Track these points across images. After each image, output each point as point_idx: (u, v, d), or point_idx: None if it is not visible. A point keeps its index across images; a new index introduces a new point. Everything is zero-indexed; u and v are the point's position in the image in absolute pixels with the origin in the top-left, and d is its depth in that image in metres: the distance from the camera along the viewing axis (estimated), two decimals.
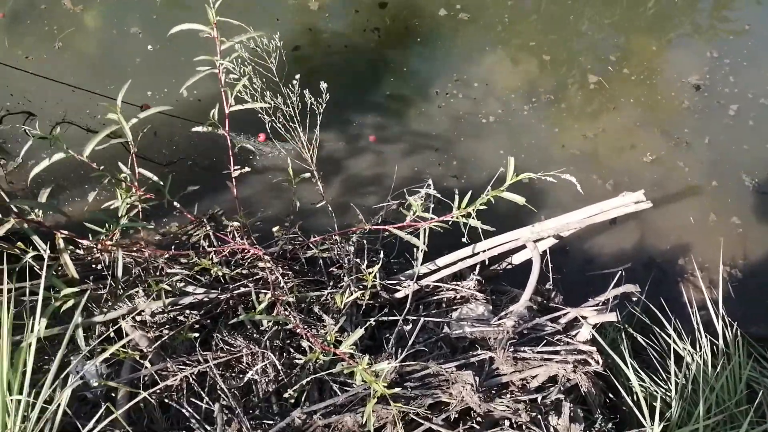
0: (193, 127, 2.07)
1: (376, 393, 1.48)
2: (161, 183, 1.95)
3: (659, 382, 2.07)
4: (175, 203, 2.10)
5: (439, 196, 1.93)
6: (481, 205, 1.73)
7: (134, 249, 2.08)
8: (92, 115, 2.88)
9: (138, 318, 2.01)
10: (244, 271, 2.23)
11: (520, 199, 1.61)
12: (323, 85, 1.96)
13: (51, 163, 1.76)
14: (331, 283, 2.16)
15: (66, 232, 1.77)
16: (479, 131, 3.06)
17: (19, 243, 1.78)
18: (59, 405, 1.41)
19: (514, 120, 3.10)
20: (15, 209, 1.64)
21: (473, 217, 1.72)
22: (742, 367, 2.05)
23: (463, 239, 1.87)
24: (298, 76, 1.94)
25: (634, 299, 2.24)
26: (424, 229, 1.93)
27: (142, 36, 3.20)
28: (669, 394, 2.00)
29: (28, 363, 1.43)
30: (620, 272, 2.27)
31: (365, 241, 2.26)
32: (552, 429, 1.76)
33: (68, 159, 1.77)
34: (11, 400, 1.33)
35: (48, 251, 1.77)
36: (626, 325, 2.26)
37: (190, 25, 1.74)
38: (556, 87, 3.24)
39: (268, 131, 2.12)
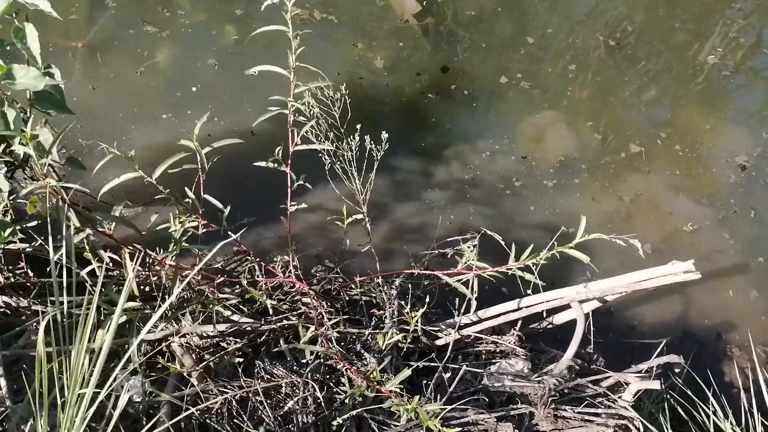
0: (256, 162, 2.16)
1: None
2: (222, 209, 2.03)
3: None
4: (230, 233, 2.17)
5: (501, 241, 1.95)
6: (543, 260, 1.75)
7: (187, 271, 2.15)
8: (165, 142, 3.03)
9: (183, 340, 2.05)
10: (286, 305, 2.28)
11: (584, 258, 1.64)
12: (384, 135, 2.04)
13: (121, 181, 1.86)
14: (372, 324, 2.18)
15: (132, 247, 1.85)
16: (528, 191, 3.11)
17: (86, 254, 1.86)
18: (113, 413, 1.44)
19: (558, 182, 3.16)
20: (90, 221, 1.72)
21: (535, 273, 1.74)
22: None
23: (528, 291, 1.88)
24: (359, 126, 2.03)
25: (677, 370, 2.21)
26: (473, 278, 1.95)
27: (217, 68, 3.39)
28: None
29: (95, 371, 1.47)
30: (663, 343, 2.25)
31: (409, 286, 2.29)
32: None
33: (135, 180, 1.86)
34: (71, 397, 1.37)
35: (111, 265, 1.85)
36: (668, 395, 2.21)
37: (269, 66, 1.86)
38: (601, 153, 3.30)
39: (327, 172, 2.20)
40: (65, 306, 1.70)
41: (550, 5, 4.07)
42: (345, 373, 1.92)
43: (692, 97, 3.62)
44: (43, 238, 2.17)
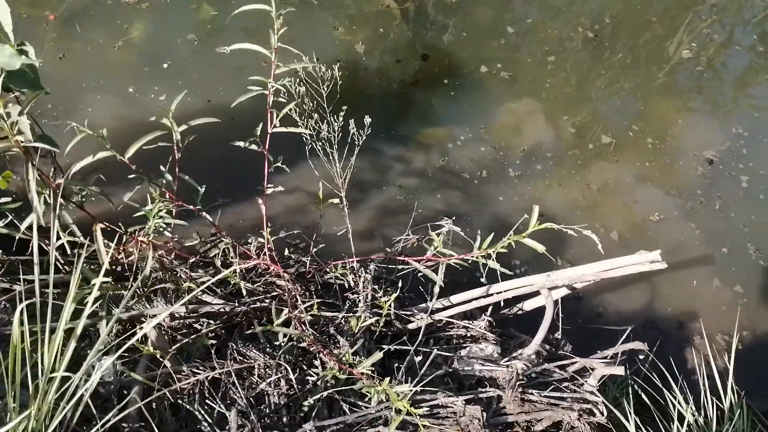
0: (233, 142, 2.15)
1: (400, 413, 1.51)
2: (199, 188, 2.02)
3: None
4: (205, 214, 2.16)
5: (462, 233, 1.99)
6: (501, 248, 1.79)
7: (162, 251, 2.13)
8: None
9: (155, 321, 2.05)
10: (260, 288, 2.28)
11: (540, 247, 1.67)
12: (367, 120, 2.04)
13: (94, 160, 1.83)
14: (345, 308, 2.20)
15: (105, 224, 1.83)
16: (499, 178, 3.15)
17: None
18: (84, 394, 1.44)
19: (530, 170, 3.20)
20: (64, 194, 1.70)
21: (493, 259, 1.78)
22: None
23: (482, 279, 1.92)
24: (345, 107, 2.02)
25: (641, 357, 2.28)
26: (442, 265, 1.98)
27: (198, 44, 3.34)
28: None
29: (67, 352, 1.46)
30: (628, 330, 2.32)
31: (384, 271, 2.31)
32: None
33: (108, 159, 1.84)
34: (45, 378, 1.36)
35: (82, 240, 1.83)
36: (632, 381, 2.29)
37: (250, 45, 1.84)
38: (573, 144, 3.35)
39: (307, 153, 2.20)
40: (37, 284, 1.69)
41: None
42: (318, 355, 1.94)
43: (665, 90, 3.68)
44: (13, 214, 2.13)
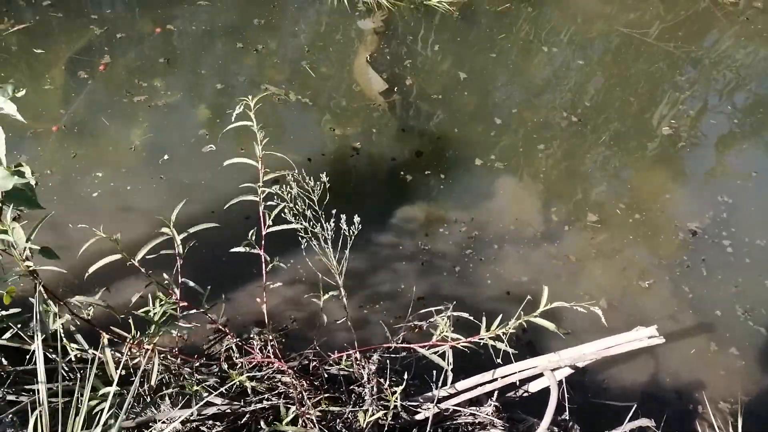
0: (233, 248, 2.22)
1: None
2: (202, 292, 2.07)
3: None
4: (210, 316, 2.20)
5: (468, 316, 2.02)
6: (512, 329, 1.83)
7: (166, 354, 2.15)
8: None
9: (163, 426, 2.04)
10: (265, 384, 2.29)
11: (551, 326, 1.72)
12: (357, 219, 2.12)
13: (104, 264, 1.89)
14: (351, 401, 2.20)
15: (110, 333, 1.86)
16: (494, 257, 3.22)
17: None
18: None
19: (523, 249, 3.28)
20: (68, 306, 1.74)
21: (504, 341, 1.82)
22: None
23: (498, 361, 1.95)
24: (334, 211, 2.11)
25: None
26: (449, 350, 2.01)
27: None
28: None
29: None
30: (633, 407, 2.32)
31: (387, 361, 2.33)
32: None
33: (118, 262, 1.90)
34: None
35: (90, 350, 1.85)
36: None
37: (240, 159, 1.97)
38: (562, 222, 3.45)
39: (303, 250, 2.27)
40: (45, 395, 1.70)
41: (509, 79, 4.34)
42: None
43: (649, 167, 3.85)
44: (20, 325, 2.16)
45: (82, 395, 1.80)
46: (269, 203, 2.10)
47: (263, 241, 2.14)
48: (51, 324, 1.82)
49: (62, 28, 4.10)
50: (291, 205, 2.10)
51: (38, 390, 1.67)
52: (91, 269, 1.89)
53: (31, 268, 1.67)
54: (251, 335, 2.46)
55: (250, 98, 1.92)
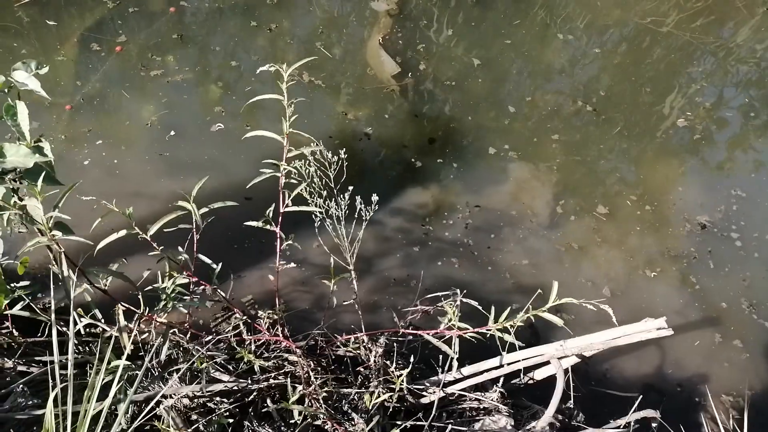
0: (247, 222, 2.22)
1: None
2: (215, 267, 2.07)
3: None
4: (219, 291, 2.21)
5: (477, 306, 2.02)
6: (520, 322, 1.83)
7: (175, 330, 2.17)
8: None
9: (171, 401, 2.06)
10: (272, 363, 2.30)
11: (558, 321, 1.72)
12: (375, 198, 2.12)
13: (117, 238, 1.90)
14: (357, 382, 2.22)
15: (125, 305, 1.87)
16: (502, 245, 3.22)
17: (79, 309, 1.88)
18: None
19: (532, 238, 3.28)
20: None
21: (511, 333, 1.82)
22: None
23: (503, 353, 1.95)
24: (351, 187, 2.11)
25: (654, 425, 2.28)
26: (455, 339, 2.02)
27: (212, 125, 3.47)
28: None
29: None
30: (639, 397, 2.33)
31: (394, 344, 2.34)
32: None
33: (127, 238, 1.90)
34: None
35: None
36: None
37: (264, 132, 1.95)
38: (571, 213, 3.44)
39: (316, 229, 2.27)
40: (57, 365, 1.72)
41: (523, 66, 4.29)
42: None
43: (663, 159, 3.81)
44: (30, 297, 2.18)
45: (91, 368, 1.82)
46: (284, 181, 2.10)
47: (280, 220, 2.13)
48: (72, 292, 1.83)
49: (74, 1, 4.09)
50: (309, 181, 2.08)
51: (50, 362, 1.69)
52: (103, 242, 1.89)
53: (56, 238, 1.68)
54: (260, 314, 2.47)
55: (284, 66, 1.89)
